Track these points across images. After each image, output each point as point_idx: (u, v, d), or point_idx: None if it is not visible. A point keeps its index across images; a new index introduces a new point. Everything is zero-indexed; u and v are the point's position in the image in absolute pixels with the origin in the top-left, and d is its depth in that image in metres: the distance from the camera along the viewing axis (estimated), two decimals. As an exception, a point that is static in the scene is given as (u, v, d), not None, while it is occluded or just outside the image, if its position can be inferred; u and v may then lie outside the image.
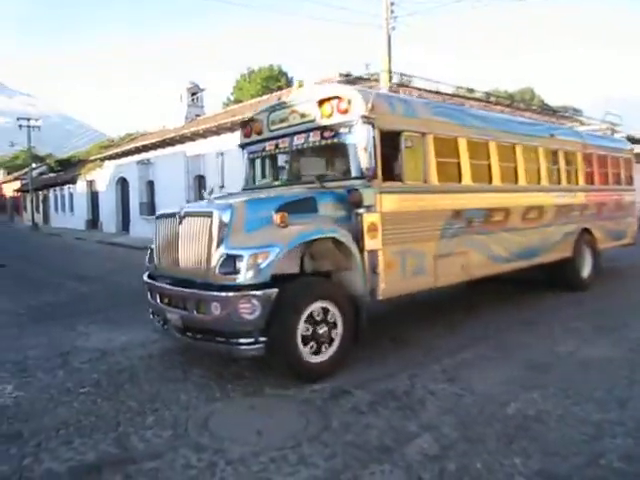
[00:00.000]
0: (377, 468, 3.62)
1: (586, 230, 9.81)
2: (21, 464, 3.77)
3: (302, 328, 5.08)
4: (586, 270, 9.90)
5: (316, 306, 5.18)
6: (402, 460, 3.71)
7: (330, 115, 6.02)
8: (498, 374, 5.38)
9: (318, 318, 5.20)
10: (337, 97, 6.00)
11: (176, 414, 4.54)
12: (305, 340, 5.11)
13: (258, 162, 7.58)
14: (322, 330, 5.23)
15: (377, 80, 15.63)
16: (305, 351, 5.11)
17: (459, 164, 7.13)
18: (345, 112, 5.89)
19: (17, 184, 56.01)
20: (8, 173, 68.63)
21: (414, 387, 5.06)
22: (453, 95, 19.14)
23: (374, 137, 5.76)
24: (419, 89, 17.70)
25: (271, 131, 6.99)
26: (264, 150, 7.22)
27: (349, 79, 15.41)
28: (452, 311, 8.24)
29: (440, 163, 6.83)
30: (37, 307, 9.72)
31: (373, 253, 5.73)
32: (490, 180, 7.66)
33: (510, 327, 7.27)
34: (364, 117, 5.70)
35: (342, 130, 5.98)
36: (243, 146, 7.62)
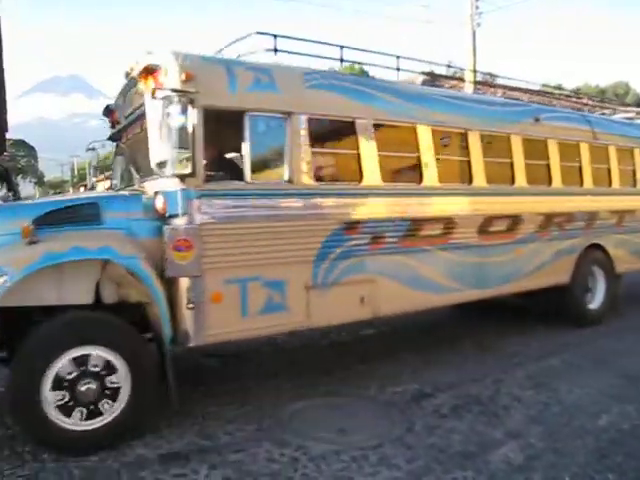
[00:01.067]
0: (460, 474, 3.56)
1: (596, 246, 7.52)
2: (114, 448, 3.95)
3: (52, 395, 3.78)
4: (596, 300, 7.56)
5: (81, 353, 3.87)
6: (486, 468, 3.63)
7: (151, 91, 4.38)
8: (587, 383, 5.16)
9: (84, 369, 3.87)
10: (153, 67, 4.51)
11: (260, 410, 4.65)
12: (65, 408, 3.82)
13: (119, 159, 6.31)
14: (88, 387, 3.87)
15: (462, 79, 15.31)
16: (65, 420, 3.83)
17: (358, 156, 5.22)
18: (162, 86, 4.34)
19: (108, 183, 59.01)
20: (100, 172, 72.42)
21: (499, 393, 4.94)
22: (539, 92, 18.46)
23: (194, 118, 4.22)
24: (504, 87, 17.16)
25: (126, 118, 5.59)
26: (121, 143, 6.06)
27: (432, 78, 15.14)
28: (534, 316, 7.94)
29: (321, 155, 5.34)
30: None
31: (184, 281, 4.24)
32: (420, 179, 5.65)
33: (600, 334, 6.94)
34: (176, 91, 4.17)
35: (161, 111, 4.30)
36: (112, 139, 6.30)
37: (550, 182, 6.97)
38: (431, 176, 5.68)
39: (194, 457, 3.82)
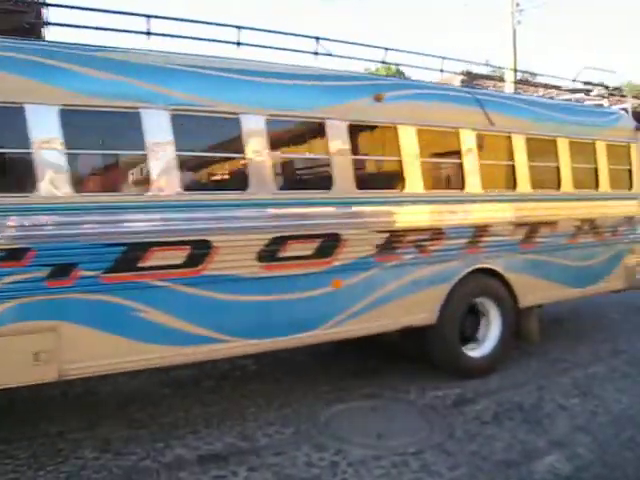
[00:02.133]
0: (504, 483, 3.47)
1: (487, 272, 5.53)
2: (153, 448, 4.00)
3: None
4: (484, 344, 5.59)
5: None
6: (530, 477, 3.53)
7: None
8: (636, 392, 4.98)
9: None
10: None
11: (299, 412, 4.62)
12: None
13: None
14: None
15: (502, 79, 15.05)
16: None
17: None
18: None
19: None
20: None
21: (542, 400, 4.80)
22: (578, 90, 18.04)
23: None
24: (545, 85, 16.81)
25: None
26: None
27: (470, 77, 14.93)
28: (577, 322, 7.74)
29: None
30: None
31: None
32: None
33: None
34: None
35: None
36: None
37: (403, 186, 5.03)
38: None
39: (233, 459, 3.82)
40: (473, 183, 5.43)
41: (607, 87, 8.03)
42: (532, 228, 5.82)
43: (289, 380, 5.44)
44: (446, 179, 5.93)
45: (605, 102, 7.77)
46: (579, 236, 6.27)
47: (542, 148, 6.15)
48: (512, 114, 5.90)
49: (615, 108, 7.53)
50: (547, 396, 4.89)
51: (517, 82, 13.37)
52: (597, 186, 6.58)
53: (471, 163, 5.43)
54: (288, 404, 4.79)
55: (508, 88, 12.56)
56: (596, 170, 6.59)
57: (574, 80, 7.63)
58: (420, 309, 5.08)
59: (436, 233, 5.14)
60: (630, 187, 7.01)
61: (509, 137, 5.74)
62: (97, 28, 4.31)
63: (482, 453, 3.84)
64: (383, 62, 5.73)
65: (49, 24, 5.26)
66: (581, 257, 6.31)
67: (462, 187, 5.39)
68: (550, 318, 7.69)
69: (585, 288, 6.42)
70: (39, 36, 9.42)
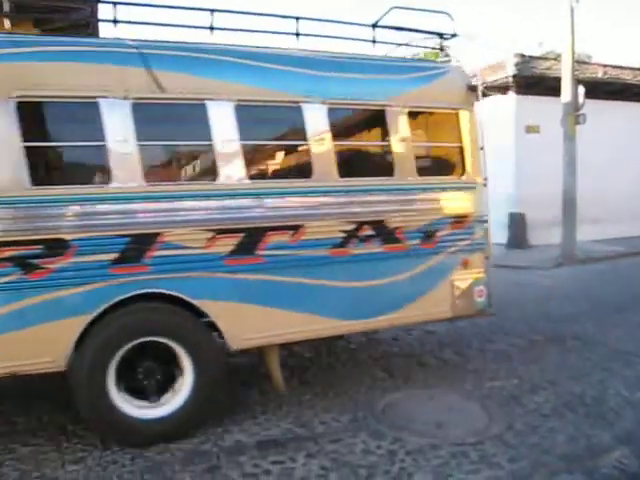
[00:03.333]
0: (567, 477, 3.39)
1: (166, 299, 3.99)
2: (213, 432, 4.07)
3: None
4: (173, 401, 4.05)
5: None
6: (596, 472, 3.43)
7: None
8: None
9: None
10: None
11: (355, 400, 4.62)
12: None
13: None
14: None
15: (556, 59, 14.54)
16: None
17: None
18: None
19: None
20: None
21: (605, 393, 4.65)
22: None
23: None
24: (604, 65, 16.16)
25: None
26: None
27: (524, 60, 14.50)
28: (636, 310, 7.46)
29: None
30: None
31: None
32: None
33: None
34: None
35: None
36: None
37: None
38: None
39: (291, 445, 3.85)
40: (122, 174, 3.88)
41: (441, 35, 5.34)
42: (249, 235, 4.17)
43: (343, 367, 5.46)
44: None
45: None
46: (354, 246, 4.52)
47: (276, 119, 4.77)
48: (206, 74, 4.18)
49: (443, 62, 5.39)
50: (610, 389, 4.74)
51: (576, 62, 12.88)
52: (389, 172, 4.74)
53: (120, 145, 3.86)
54: (344, 392, 4.79)
55: (565, 70, 12.12)
56: (386, 149, 4.92)
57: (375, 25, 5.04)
58: (42, 351, 3.71)
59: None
60: (462, 173, 5.06)
61: (202, 105, 4.11)
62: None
63: (543, 446, 3.76)
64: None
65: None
66: (359, 275, 4.56)
67: (109, 180, 3.87)
68: (608, 307, 7.48)
69: (370, 319, 4.65)
70: (94, 32, 9.63)
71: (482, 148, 5.06)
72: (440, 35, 5.33)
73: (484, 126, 5.10)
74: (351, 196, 4.56)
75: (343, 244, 4.48)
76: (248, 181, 4.25)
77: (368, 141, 5.39)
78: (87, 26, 8.98)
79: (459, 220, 4.94)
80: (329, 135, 4.48)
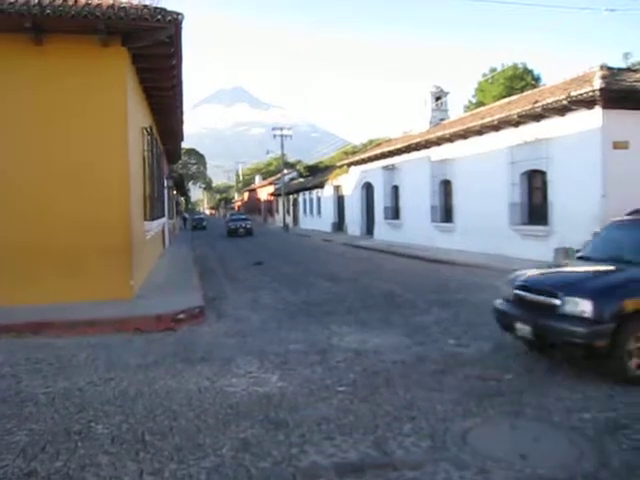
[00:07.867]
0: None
1: None
2: (289, 452, 4.01)
3: None
4: None
5: None
6: None
7: None
8: None
9: None
10: None
11: (433, 424, 4.45)
12: None
13: None
14: None
15: (646, 72, 13.85)
16: None
17: None
18: None
19: (271, 188, 62.10)
20: (263, 178, 76.84)
21: None
22: None
23: None
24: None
25: None
26: None
27: (612, 73, 13.87)
28: None
29: None
30: (293, 303, 10.52)
31: None
32: None
33: None
34: None
35: None
36: None
37: None
38: None
39: (369, 470, 3.72)
40: None
41: None
42: None
43: (422, 390, 5.28)
44: None
45: None
46: None
47: None
48: None
49: None
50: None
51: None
52: None
53: None
54: (422, 415, 4.64)
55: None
56: None
57: None
58: None
59: None
60: None
61: None
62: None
63: (643, 487, 3.47)
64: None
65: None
66: None
67: None
68: None
69: None
70: (178, 48, 10.00)
71: None
72: None
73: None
74: None
75: None
76: None
77: None
78: (171, 44, 9.39)
79: None
80: None
